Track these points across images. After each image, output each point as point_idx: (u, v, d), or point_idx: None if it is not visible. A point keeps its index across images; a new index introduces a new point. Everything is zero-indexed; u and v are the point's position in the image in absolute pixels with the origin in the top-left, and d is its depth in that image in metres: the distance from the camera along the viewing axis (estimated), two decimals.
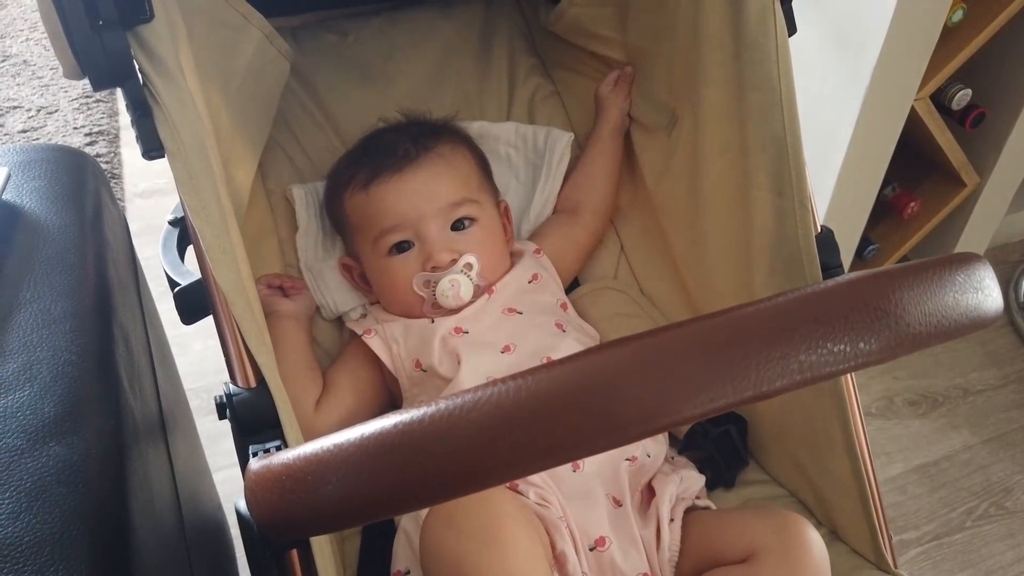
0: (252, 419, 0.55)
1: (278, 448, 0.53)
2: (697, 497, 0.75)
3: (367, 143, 0.88)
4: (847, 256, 1.37)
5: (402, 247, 0.82)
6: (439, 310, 0.81)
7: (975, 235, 1.46)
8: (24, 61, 1.98)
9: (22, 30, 2.11)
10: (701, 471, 0.79)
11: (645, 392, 0.36)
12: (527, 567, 0.58)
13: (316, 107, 0.98)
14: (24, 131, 1.77)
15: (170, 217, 0.74)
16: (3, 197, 0.68)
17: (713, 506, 0.76)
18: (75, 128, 1.79)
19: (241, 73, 0.78)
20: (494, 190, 0.91)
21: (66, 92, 1.88)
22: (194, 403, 1.13)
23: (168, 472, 0.69)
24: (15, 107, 1.84)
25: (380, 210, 0.82)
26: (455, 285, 0.79)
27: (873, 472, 0.71)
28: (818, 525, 0.77)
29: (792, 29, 0.72)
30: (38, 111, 1.83)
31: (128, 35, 0.55)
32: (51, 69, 1.95)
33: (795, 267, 0.71)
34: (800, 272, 0.71)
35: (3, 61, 1.99)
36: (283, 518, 0.39)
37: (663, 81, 0.88)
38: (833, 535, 0.76)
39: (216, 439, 1.04)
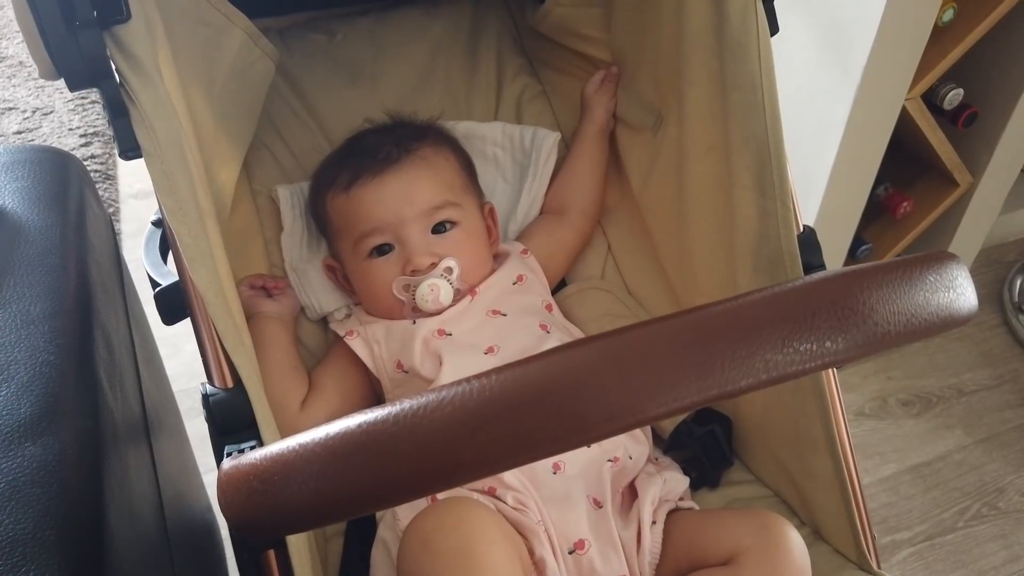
0: (228, 419, 0.55)
1: (253, 448, 0.53)
2: (681, 499, 0.75)
3: (351, 144, 0.88)
4: (840, 255, 1.37)
5: (383, 250, 0.82)
6: (419, 313, 0.81)
7: (969, 235, 1.45)
8: (20, 62, 1.98)
9: (18, 31, 2.11)
10: (686, 471, 0.79)
11: (610, 391, 0.36)
12: None
13: (303, 107, 0.97)
14: (19, 132, 1.77)
15: (153, 218, 0.74)
16: None
17: (696, 507, 0.76)
18: (70, 129, 1.79)
19: (224, 73, 0.78)
20: (478, 192, 0.90)
21: (61, 93, 1.88)
22: (186, 404, 1.13)
23: (151, 473, 0.69)
24: (10, 108, 1.84)
25: (360, 213, 0.82)
26: (434, 289, 0.79)
27: (856, 472, 0.71)
28: (801, 525, 0.77)
29: (774, 28, 0.71)
30: (33, 112, 1.83)
31: (105, 35, 0.55)
32: None
33: (778, 266, 0.71)
34: (783, 271, 0.71)
35: None
36: (251, 517, 0.39)
37: (648, 80, 0.87)
38: (816, 535, 0.76)
39: (207, 440, 1.03)
